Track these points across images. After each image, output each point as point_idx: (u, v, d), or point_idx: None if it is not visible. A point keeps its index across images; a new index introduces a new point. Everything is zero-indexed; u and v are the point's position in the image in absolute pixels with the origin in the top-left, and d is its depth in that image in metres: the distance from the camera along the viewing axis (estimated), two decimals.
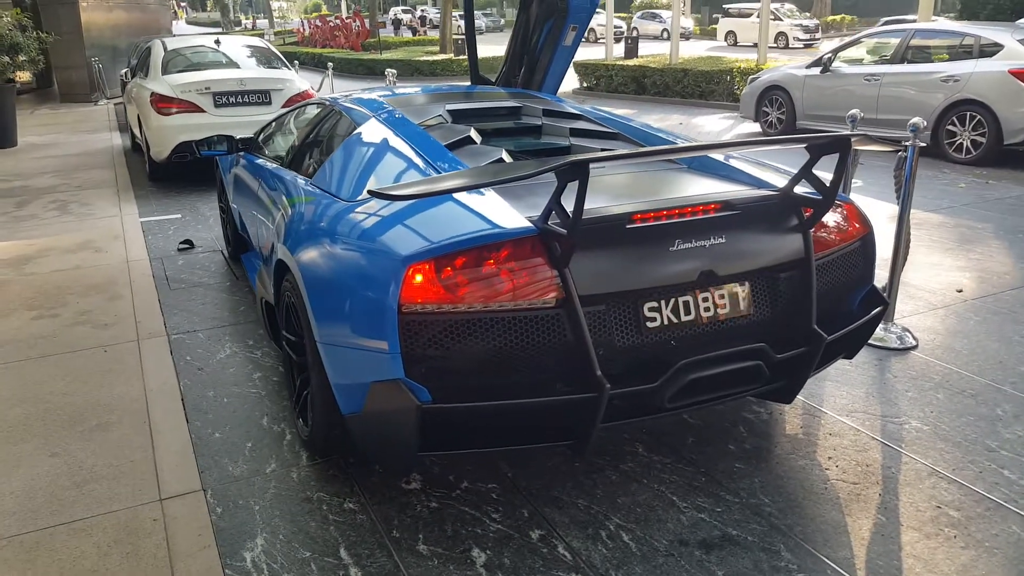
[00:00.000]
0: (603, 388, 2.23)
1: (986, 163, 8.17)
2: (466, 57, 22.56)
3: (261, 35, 31.99)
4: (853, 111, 4.10)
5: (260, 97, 7.79)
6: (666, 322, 2.44)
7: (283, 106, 7.89)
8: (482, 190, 2.56)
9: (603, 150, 3.23)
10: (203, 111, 7.55)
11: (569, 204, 2.18)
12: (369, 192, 2.28)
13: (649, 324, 2.42)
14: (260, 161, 4.24)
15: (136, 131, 8.93)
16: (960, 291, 4.61)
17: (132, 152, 9.84)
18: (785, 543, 2.44)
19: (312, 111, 4.25)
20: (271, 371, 3.70)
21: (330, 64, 11.17)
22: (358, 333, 2.38)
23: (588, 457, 2.90)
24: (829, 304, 2.76)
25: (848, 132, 2.54)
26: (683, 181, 2.93)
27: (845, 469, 2.83)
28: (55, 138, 11.54)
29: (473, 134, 3.23)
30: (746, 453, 2.94)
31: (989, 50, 8.18)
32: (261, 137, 4.75)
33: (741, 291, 2.56)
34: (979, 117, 8.09)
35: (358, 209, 2.69)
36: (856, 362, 3.64)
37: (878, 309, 2.89)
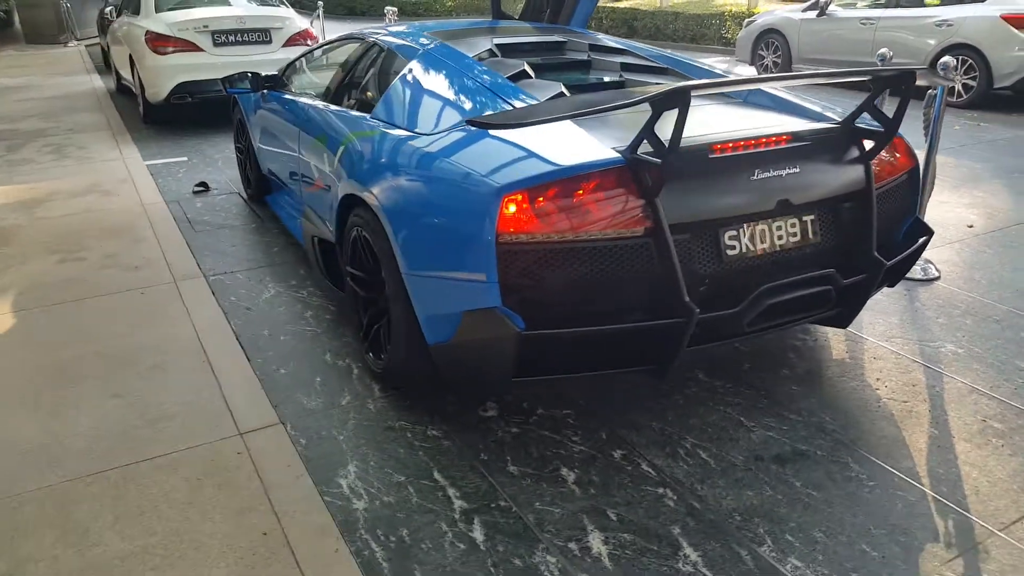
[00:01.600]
0: (692, 313, 2.33)
1: (977, 106, 8.37)
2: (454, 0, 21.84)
3: None
4: (883, 50, 4.19)
5: (260, 36, 7.64)
6: (744, 249, 2.54)
7: (284, 45, 7.75)
8: (562, 122, 2.60)
9: (657, 83, 3.28)
10: (201, 50, 7.39)
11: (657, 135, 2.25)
12: (470, 123, 2.32)
13: (729, 252, 2.52)
14: (296, 98, 4.20)
15: (124, 72, 8.71)
16: (971, 226, 4.78)
17: (118, 94, 9.60)
18: (851, 456, 2.60)
19: (349, 47, 4.21)
20: (322, 309, 3.75)
21: (320, 3, 10.90)
22: (451, 264, 2.44)
23: (667, 380, 3.01)
24: (882, 233, 2.88)
25: (913, 67, 2.63)
26: (746, 114, 3.00)
27: (893, 389, 2.99)
28: (29, 80, 11.19)
29: (527, 68, 3.25)
30: (800, 377, 3.09)
31: None
32: (287, 75, 4.69)
33: (810, 219, 2.66)
34: (971, 61, 8.25)
35: (439, 141, 2.72)
36: (887, 292, 3.80)
37: (924, 238, 3.03)
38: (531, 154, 2.45)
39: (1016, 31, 7.92)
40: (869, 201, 2.73)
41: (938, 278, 4.00)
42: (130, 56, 7.97)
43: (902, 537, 2.23)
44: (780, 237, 2.61)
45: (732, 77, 2.46)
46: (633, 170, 2.37)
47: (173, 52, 7.31)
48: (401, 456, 2.63)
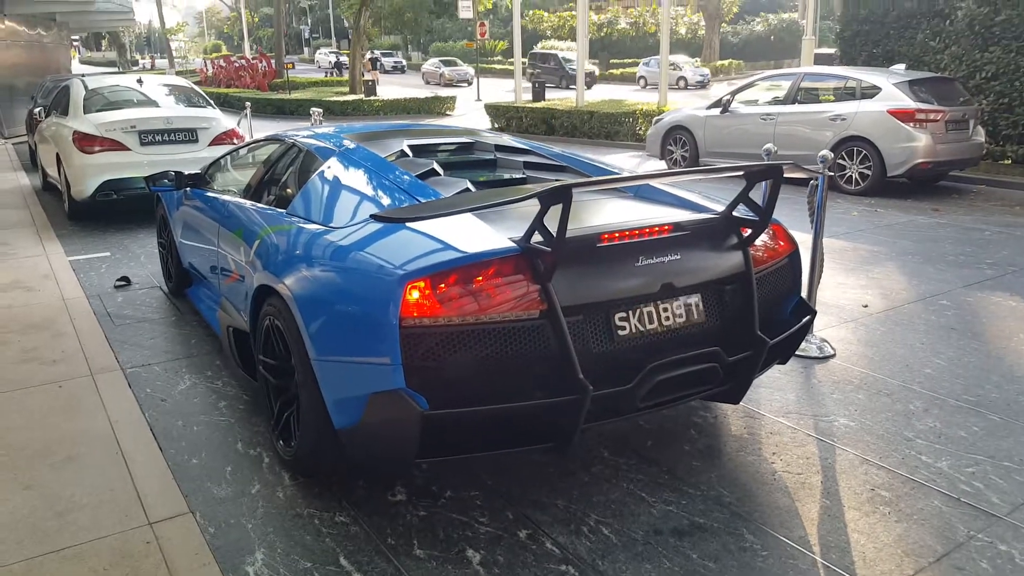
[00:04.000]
0: (587, 390, 2.46)
1: (873, 193, 8.94)
2: (375, 98, 22.58)
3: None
4: (768, 145, 4.54)
5: (187, 135, 7.78)
6: (634, 330, 2.71)
7: (210, 144, 7.89)
8: (464, 215, 2.77)
9: (556, 181, 3.50)
10: (128, 149, 7.48)
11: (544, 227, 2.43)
12: (374, 217, 2.46)
13: (620, 332, 2.68)
14: (216, 195, 4.32)
15: (51, 170, 8.72)
16: (866, 306, 5.09)
17: (44, 192, 9.56)
18: (747, 527, 2.72)
19: (270, 147, 4.37)
20: (235, 399, 3.78)
21: (248, 104, 11.18)
22: (358, 348, 2.54)
23: (570, 456, 3.11)
24: (765, 313, 3.08)
25: (780, 162, 2.90)
26: (634, 207, 3.23)
27: (788, 462, 3.14)
28: None
29: (436, 167, 3.44)
30: (700, 452, 3.22)
31: (869, 92, 8.99)
32: (210, 173, 4.82)
33: (694, 302, 2.86)
34: (864, 151, 8.87)
35: (346, 234, 2.85)
36: (784, 370, 4.00)
37: (808, 317, 3.25)
38: (433, 244, 2.60)
39: (902, 124, 8.58)
40: (749, 283, 2.94)
41: (833, 356, 4.23)
42: (57, 155, 8.01)
43: None
44: (667, 318, 2.79)
45: (613, 175, 2.67)
46: (528, 258, 2.53)
47: (99, 151, 7.38)
48: (308, 543, 2.65)
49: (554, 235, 2.44)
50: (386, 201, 3.02)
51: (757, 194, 2.92)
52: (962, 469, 3.06)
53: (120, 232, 7.53)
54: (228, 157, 4.92)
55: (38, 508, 2.83)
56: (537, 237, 2.52)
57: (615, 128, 14.68)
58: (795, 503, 2.86)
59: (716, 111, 10.42)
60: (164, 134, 7.67)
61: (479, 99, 26.84)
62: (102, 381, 3.97)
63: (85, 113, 7.89)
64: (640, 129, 14.06)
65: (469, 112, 23.33)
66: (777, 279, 3.18)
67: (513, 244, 2.57)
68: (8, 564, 2.51)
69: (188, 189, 4.78)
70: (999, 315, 4.87)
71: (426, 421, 2.39)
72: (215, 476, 3.08)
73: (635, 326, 2.71)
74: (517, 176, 3.61)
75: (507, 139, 4.24)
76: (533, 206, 2.51)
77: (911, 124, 8.51)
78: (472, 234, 2.67)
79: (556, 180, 3.50)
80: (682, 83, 34.37)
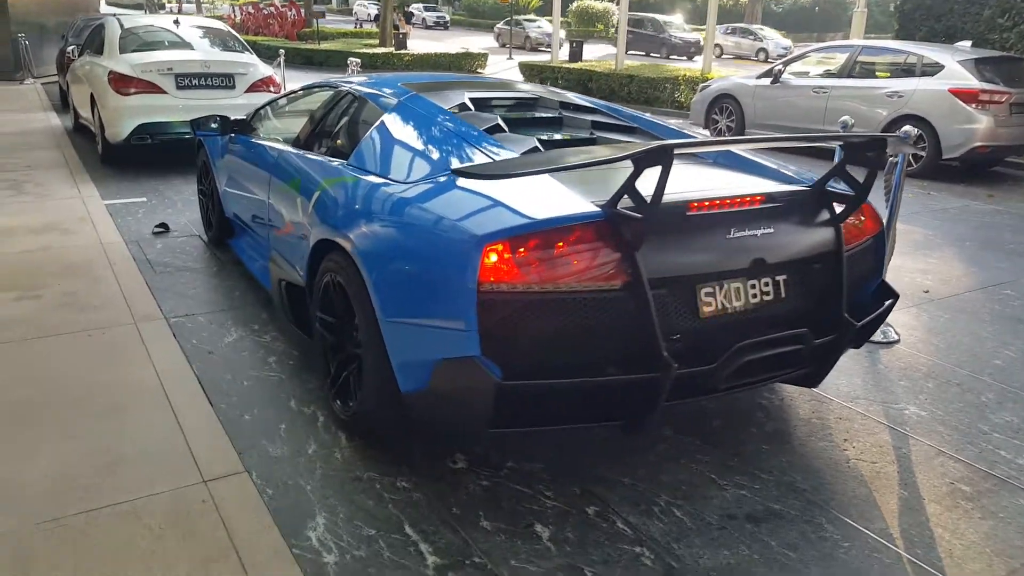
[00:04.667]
0: (670, 368, 2.33)
1: (925, 175, 8.67)
2: (404, 52, 22.17)
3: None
4: (844, 118, 4.34)
5: (224, 81, 7.61)
6: (719, 307, 2.57)
7: (247, 91, 7.73)
8: (541, 176, 2.62)
9: (627, 141, 3.34)
10: (164, 92, 7.32)
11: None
12: (455, 172, 2.31)
13: (705, 308, 2.54)
14: (266, 143, 4.18)
15: (83, 111, 8.57)
16: (927, 292, 4.92)
17: (76, 133, 9.43)
18: (825, 516, 2.60)
19: (321, 95, 4.22)
20: (285, 355, 3.67)
21: (282, 52, 10.97)
22: (429, 311, 2.42)
23: (643, 436, 2.98)
24: (850, 294, 2.93)
25: (885, 134, 2.72)
26: (716, 175, 3.06)
27: (861, 450, 3.01)
28: None
29: (500, 122, 3.29)
30: (768, 436, 3.10)
31: (930, 69, 8.69)
32: (255, 120, 4.67)
33: (783, 279, 2.71)
34: (920, 131, 8.58)
35: (418, 190, 2.71)
36: (848, 355, 3.85)
37: (890, 300, 3.10)
38: (512, 205, 2.46)
39: (964, 104, 8.28)
40: (839, 263, 2.79)
41: (898, 341, 4.08)
42: (91, 95, 7.86)
43: None
44: (754, 296, 2.65)
45: (710, 138, 2.50)
46: (613, 224, 2.39)
47: (135, 93, 7.23)
48: (371, 508, 2.56)
49: (647, 200, 2.29)
50: (459, 156, 2.87)
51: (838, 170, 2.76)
52: None
53: (155, 178, 7.41)
54: (272, 104, 4.76)
55: (86, 459, 2.74)
56: (625, 202, 2.37)
57: (655, 94, 14.36)
58: (872, 493, 2.74)
59: (766, 81, 10.11)
60: (201, 78, 7.50)
61: (511, 58, 26.39)
62: (146, 330, 3.88)
63: (121, 53, 7.72)
64: (681, 96, 13.75)
65: (501, 71, 22.94)
66: (863, 260, 3.03)
67: (598, 209, 2.42)
68: (61, 518, 2.42)
69: (233, 135, 4.64)
70: None
71: (501, 391, 2.28)
72: (269, 434, 2.98)
73: (721, 302, 2.57)
74: (584, 135, 3.44)
75: (572, 96, 4.07)
76: (614, 169, 2.36)
77: (973, 105, 8.21)
78: (553, 196, 2.53)
79: (628, 141, 3.35)
80: (762, 55, 31.39)
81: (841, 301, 2.77)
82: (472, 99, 3.62)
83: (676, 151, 2.26)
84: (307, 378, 3.44)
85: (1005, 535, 2.53)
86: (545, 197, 2.52)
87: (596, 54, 25.55)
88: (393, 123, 3.30)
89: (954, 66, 8.48)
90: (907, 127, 3.88)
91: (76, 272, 4.67)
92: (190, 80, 7.46)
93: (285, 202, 3.65)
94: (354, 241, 2.75)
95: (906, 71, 8.97)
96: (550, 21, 26.17)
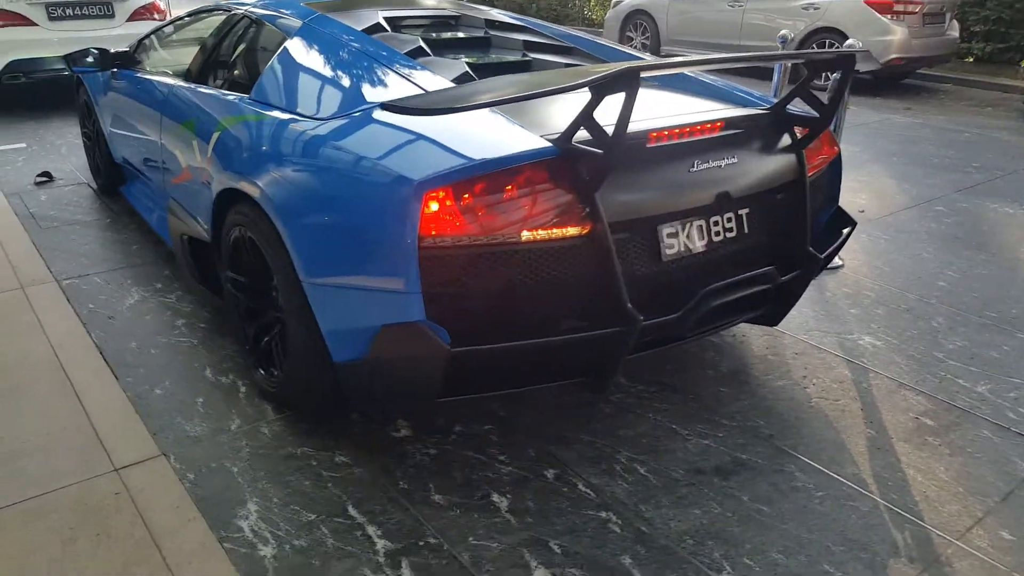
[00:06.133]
0: (635, 321, 2.11)
1: None
2: None
3: None
4: (784, 32, 4.12)
5: (101, 9, 6.85)
6: (683, 248, 2.34)
7: (128, 20, 7.01)
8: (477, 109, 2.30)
9: (567, 65, 3.04)
10: (35, 24, 6.55)
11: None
12: (385, 107, 1.98)
13: (668, 251, 2.31)
14: (153, 78, 3.69)
15: None
16: (862, 211, 4.84)
17: None
18: (794, 463, 2.47)
19: (212, 20, 3.74)
20: (195, 317, 3.31)
21: None
22: (363, 271, 2.11)
23: (603, 393, 2.78)
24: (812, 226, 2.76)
25: (853, 49, 2.50)
26: (666, 99, 2.79)
27: (822, 388, 2.89)
28: None
29: (423, 44, 2.93)
30: (725, 377, 2.95)
31: None
32: (139, 51, 4.14)
33: (745, 213, 2.50)
34: (837, 44, 8.50)
35: (341, 127, 2.36)
36: None
37: (848, 228, 2.94)
38: (451, 144, 2.15)
39: (879, 15, 8.21)
40: (803, 192, 2.60)
41: (842, 266, 3.98)
42: None
43: (863, 554, 2.10)
44: (717, 234, 2.43)
45: (669, 59, 2.23)
46: (568, 162, 2.11)
47: (2, 26, 6.44)
48: (308, 490, 2.28)
49: (607, 133, 2.02)
50: (381, 86, 2.51)
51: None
52: (1003, 394, 2.86)
53: (34, 120, 6.70)
54: (158, 33, 4.23)
55: None
56: (581, 136, 2.09)
57: (564, 11, 13.92)
58: (839, 435, 2.62)
59: None
60: (75, 7, 6.73)
61: None
62: (35, 295, 3.43)
63: None
64: (591, 12, 13.36)
65: None
66: (822, 187, 2.85)
67: (549, 144, 2.13)
68: None
69: (116, 71, 4.11)
70: (1000, 223, 4.68)
71: (452, 359, 2.01)
72: (185, 410, 2.65)
73: (684, 244, 2.35)
74: (517, 58, 3.12)
75: (496, 13, 3.71)
76: (556, 99, 2.07)
77: (888, 16, 8.15)
78: (495, 132, 2.22)
79: (568, 63, 3.05)
80: None
81: (805, 233, 2.59)
82: (387, 18, 3.22)
83: (642, 74, 1.98)
84: (222, 343, 3.09)
85: (977, 472, 2.45)
86: (486, 133, 2.22)
87: None
88: (299, 49, 2.90)
89: None
90: (850, 40, 3.69)
91: None
92: (63, 10, 6.69)
93: (180, 145, 3.22)
94: (264, 190, 2.40)
95: None
96: None
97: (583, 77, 1.95)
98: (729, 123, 2.43)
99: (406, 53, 2.79)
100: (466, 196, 2.02)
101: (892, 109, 8.02)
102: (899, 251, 4.21)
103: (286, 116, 2.59)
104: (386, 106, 1.97)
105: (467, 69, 2.72)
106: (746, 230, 2.51)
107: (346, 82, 2.63)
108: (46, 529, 2.08)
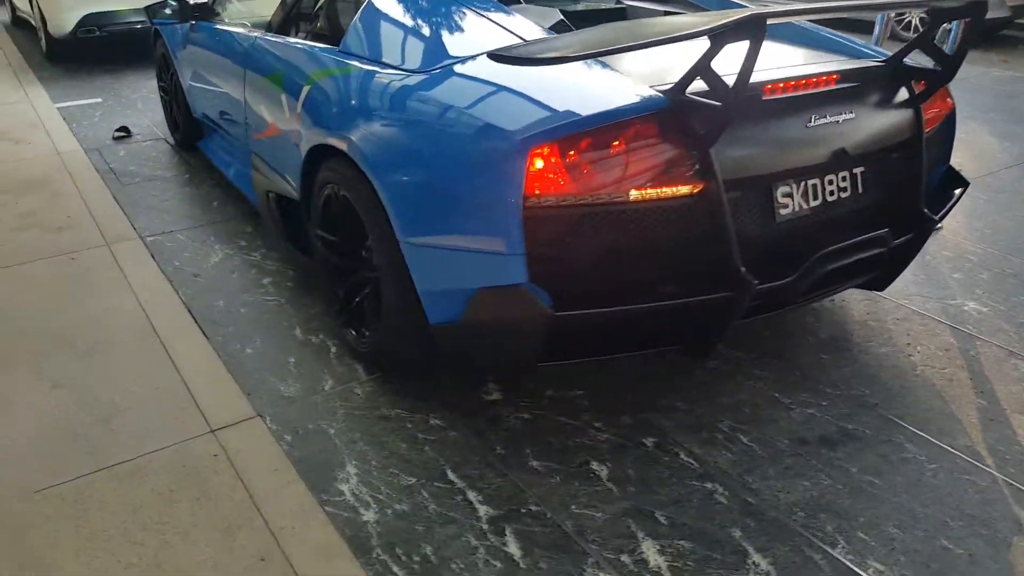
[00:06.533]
0: (749, 285, 2.01)
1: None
2: None
3: None
4: None
5: None
6: (797, 208, 2.23)
7: None
8: (586, 60, 2.20)
9: (667, 12, 2.90)
10: None
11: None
12: (492, 56, 1.88)
13: (782, 211, 2.20)
14: (235, 30, 3.65)
15: (20, 4, 7.77)
16: (960, 170, 4.59)
17: (14, 28, 8.61)
18: (903, 434, 2.36)
19: None
20: (281, 275, 3.30)
21: None
22: (462, 230, 2.05)
23: (705, 359, 2.69)
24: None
25: None
26: (783, 51, 2.63)
27: (927, 355, 2.76)
28: None
29: None
30: (825, 344, 2.83)
31: None
32: (216, 2, 4.10)
33: (860, 172, 2.37)
34: None
35: (439, 81, 2.28)
36: None
37: (961, 188, 2.77)
38: (555, 97, 2.05)
39: None
40: (919, 150, 2.45)
41: (940, 228, 3.79)
42: None
43: (983, 530, 2.00)
44: (831, 193, 2.31)
45: (788, 7, 2.07)
46: (681, 115, 2.00)
47: None
48: (405, 452, 2.26)
49: (728, 85, 1.90)
50: (480, 36, 2.41)
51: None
52: None
53: (109, 75, 6.76)
54: None
55: (74, 412, 2.40)
56: (694, 87, 1.97)
57: None
58: (948, 405, 2.50)
59: None
60: None
61: None
62: (121, 252, 3.47)
63: None
64: None
65: None
66: (936, 144, 2.68)
67: (660, 96, 2.02)
68: (53, 486, 2.10)
69: (195, 23, 4.08)
70: None
71: (555, 323, 1.94)
72: (278, 370, 2.65)
73: (799, 203, 2.23)
74: (610, 6, 2.98)
75: None
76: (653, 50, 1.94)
77: None
78: (602, 84, 2.12)
79: (664, 12, 2.91)
80: None
81: (920, 194, 2.44)
82: None
83: (769, 21, 1.84)
84: (309, 302, 3.08)
85: None
86: (591, 85, 2.12)
87: None
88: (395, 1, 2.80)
89: None
90: None
91: (34, 187, 4.20)
92: None
93: (266, 100, 3.18)
94: (360, 147, 2.34)
95: None
96: None
97: (703, 24, 1.83)
98: (844, 76, 2.29)
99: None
100: (572, 152, 1.94)
101: (989, 62, 7.59)
102: (1000, 212, 3.99)
103: (381, 69, 2.51)
104: (494, 55, 1.88)
105: (561, 17, 2.61)
106: (860, 190, 2.37)
107: (442, 32, 2.53)
108: (148, 491, 2.09)
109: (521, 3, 2.75)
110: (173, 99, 4.71)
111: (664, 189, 1.98)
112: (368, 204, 2.33)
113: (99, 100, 6.02)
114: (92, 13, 6.52)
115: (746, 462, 2.24)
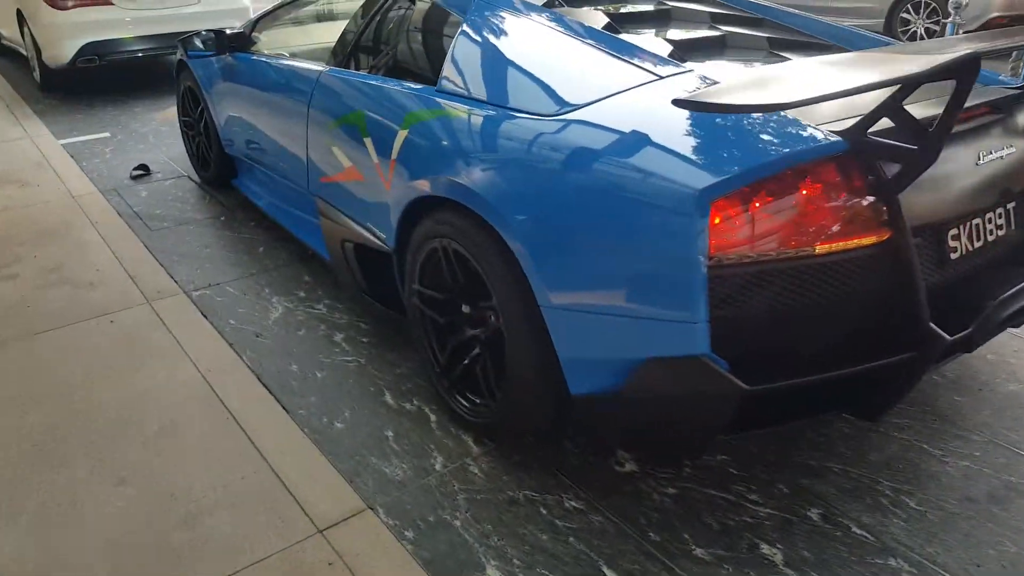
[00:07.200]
0: (939, 341, 1.80)
1: None
2: None
3: None
4: None
5: None
6: (964, 251, 2.03)
7: None
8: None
9: (769, 39, 2.70)
10: (109, 3, 6.24)
11: None
12: (676, 103, 1.64)
13: (952, 255, 2.00)
14: (291, 63, 3.35)
15: (6, 31, 7.41)
16: None
17: (0, 58, 8.24)
18: None
19: None
20: (353, 329, 3.04)
21: None
22: (629, 294, 1.82)
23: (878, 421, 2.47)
24: None
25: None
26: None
27: None
28: None
29: (607, 18, 2.59)
30: (954, 385, 2.64)
31: None
32: (255, 32, 3.83)
33: (1012, 207, 2.19)
34: (933, 5, 8.02)
35: (582, 126, 2.00)
36: None
37: None
38: (728, 142, 1.82)
39: None
40: None
41: None
42: (18, 11, 6.70)
43: None
44: (990, 232, 2.13)
45: (968, 34, 1.88)
46: (866, 158, 1.79)
47: (75, 7, 6.15)
48: (548, 546, 2.02)
49: (926, 128, 1.70)
50: (609, 74, 2.16)
51: None
52: None
53: (113, 106, 6.43)
54: (274, 13, 3.90)
55: (151, 514, 2.11)
56: (880, 125, 1.76)
57: None
58: None
59: None
60: None
61: None
62: (165, 310, 3.18)
63: None
64: None
65: None
66: None
67: (838, 138, 1.79)
68: None
69: (232, 54, 3.80)
70: None
71: (746, 398, 1.72)
72: (377, 447, 2.39)
73: (965, 245, 2.03)
74: (709, 33, 2.76)
75: None
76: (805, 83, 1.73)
77: None
78: (773, 126, 1.89)
79: (767, 38, 2.71)
80: None
81: None
82: None
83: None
84: (393, 360, 2.82)
85: None
86: (761, 127, 1.88)
87: None
88: (500, 35, 2.46)
89: None
90: None
91: (52, 237, 3.90)
92: None
93: (339, 141, 2.89)
94: (486, 199, 2.08)
95: None
96: None
97: (908, 66, 1.61)
98: (993, 106, 2.11)
99: (602, 29, 2.45)
100: (756, 203, 1.72)
101: (996, 69, 7.49)
102: None
103: (503, 113, 2.23)
104: (678, 102, 1.64)
105: (672, 47, 2.38)
106: (1013, 226, 2.19)
107: (568, 70, 2.25)
108: None
109: (623, 33, 2.51)
110: (202, 135, 4.40)
111: (852, 241, 1.77)
112: (493, 260, 2.09)
113: (107, 135, 5.69)
114: (93, 41, 6.19)
115: (921, 531, 2.03)
